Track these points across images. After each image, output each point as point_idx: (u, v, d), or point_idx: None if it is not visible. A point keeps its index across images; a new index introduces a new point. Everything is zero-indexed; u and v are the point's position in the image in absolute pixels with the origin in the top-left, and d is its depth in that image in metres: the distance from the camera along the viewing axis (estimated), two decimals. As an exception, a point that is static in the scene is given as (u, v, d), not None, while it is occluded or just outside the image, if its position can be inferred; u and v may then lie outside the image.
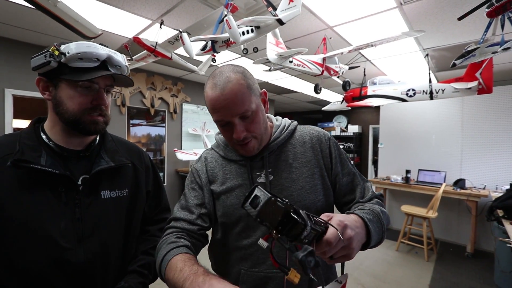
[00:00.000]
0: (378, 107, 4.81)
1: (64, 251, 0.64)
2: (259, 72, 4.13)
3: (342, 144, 7.22)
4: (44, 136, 0.71)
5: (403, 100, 3.17)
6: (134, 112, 4.15)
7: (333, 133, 7.27)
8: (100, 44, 0.70)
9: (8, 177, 0.63)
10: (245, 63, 3.69)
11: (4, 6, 2.22)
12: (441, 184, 3.60)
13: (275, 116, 0.87)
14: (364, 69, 3.37)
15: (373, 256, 3.39)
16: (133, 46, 2.34)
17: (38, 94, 3.14)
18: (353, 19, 2.43)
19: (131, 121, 4.12)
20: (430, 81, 2.96)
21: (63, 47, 0.65)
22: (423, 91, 3.01)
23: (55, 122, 0.71)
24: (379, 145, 4.72)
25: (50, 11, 1.51)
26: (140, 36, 2.11)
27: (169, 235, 0.73)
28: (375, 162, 6.82)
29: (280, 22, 1.58)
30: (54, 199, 0.66)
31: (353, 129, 7.10)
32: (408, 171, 3.97)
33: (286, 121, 0.84)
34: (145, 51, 2.24)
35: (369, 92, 3.34)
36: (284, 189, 0.73)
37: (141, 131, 4.26)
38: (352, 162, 0.83)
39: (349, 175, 0.80)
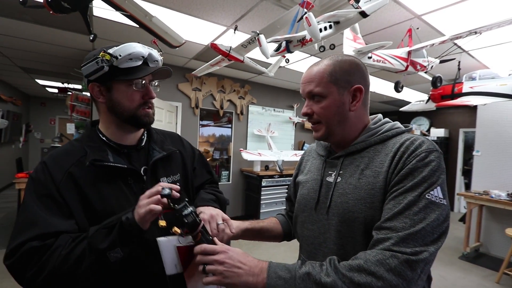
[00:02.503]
0: (473, 107, 4.02)
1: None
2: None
3: (422, 150, 6.32)
4: (104, 138, 0.78)
5: (516, 98, 2.55)
6: (204, 113, 4.47)
7: (410, 136, 6.43)
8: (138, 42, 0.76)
9: (89, 175, 0.70)
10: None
11: (109, 25, 2.66)
12: None
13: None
14: (459, 62, 2.84)
15: (463, 285, 2.84)
16: (205, 53, 2.48)
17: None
18: (447, 4, 2.07)
19: (201, 122, 4.46)
20: (558, 73, 2.30)
21: (112, 51, 0.69)
22: (548, 86, 2.36)
23: (110, 122, 0.78)
24: (474, 153, 3.94)
25: (146, 26, 1.72)
26: (216, 42, 2.23)
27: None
28: (466, 173, 5.73)
29: (363, 14, 1.44)
30: (127, 190, 0.74)
31: (438, 133, 6.10)
32: (517, 186, 3.19)
33: (389, 126, 0.74)
34: (220, 56, 2.36)
35: (465, 89, 2.81)
36: (344, 194, 0.69)
37: (207, 131, 4.57)
38: (426, 204, 0.57)
39: (399, 204, 0.58)
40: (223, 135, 4.73)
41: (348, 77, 0.70)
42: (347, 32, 1.92)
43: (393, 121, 0.78)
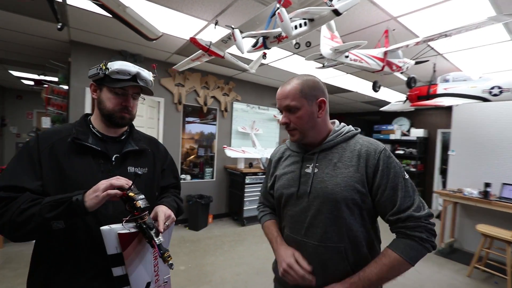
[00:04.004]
0: (450, 109, 4.17)
1: (100, 206, 0.82)
2: (310, 70, 3.98)
3: (403, 150, 6.49)
4: (91, 126, 0.97)
5: (485, 99, 2.66)
6: (189, 110, 4.41)
7: (392, 136, 6.59)
8: (134, 63, 0.96)
9: (68, 149, 0.88)
10: (297, 60, 3.59)
11: (86, 16, 2.57)
12: (535, 203, 2.93)
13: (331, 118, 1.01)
14: (434, 64, 2.94)
15: (436, 279, 2.95)
16: (187, 48, 2.44)
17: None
18: (422, 7, 2.13)
19: (186, 119, 4.40)
20: (524, 77, 2.42)
21: (109, 64, 0.91)
22: (514, 88, 2.48)
23: (98, 115, 0.97)
24: (449, 152, 4.09)
25: (120, 16, 1.67)
26: (196, 37, 2.20)
27: (261, 205, 1.17)
28: (443, 172, 5.95)
29: (336, 12, 1.46)
30: (96, 167, 0.90)
31: (417, 133, 6.30)
32: (487, 184, 3.33)
33: (348, 128, 0.96)
34: (200, 50, 2.33)
35: (439, 91, 2.90)
36: (323, 181, 0.89)
37: (194, 128, 4.52)
38: (408, 181, 0.87)
39: (392, 190, 0.84)
40: (211, 132, 4.69)
41: (313, 92, 0.90)
42: (325, 31, 1.94)
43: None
